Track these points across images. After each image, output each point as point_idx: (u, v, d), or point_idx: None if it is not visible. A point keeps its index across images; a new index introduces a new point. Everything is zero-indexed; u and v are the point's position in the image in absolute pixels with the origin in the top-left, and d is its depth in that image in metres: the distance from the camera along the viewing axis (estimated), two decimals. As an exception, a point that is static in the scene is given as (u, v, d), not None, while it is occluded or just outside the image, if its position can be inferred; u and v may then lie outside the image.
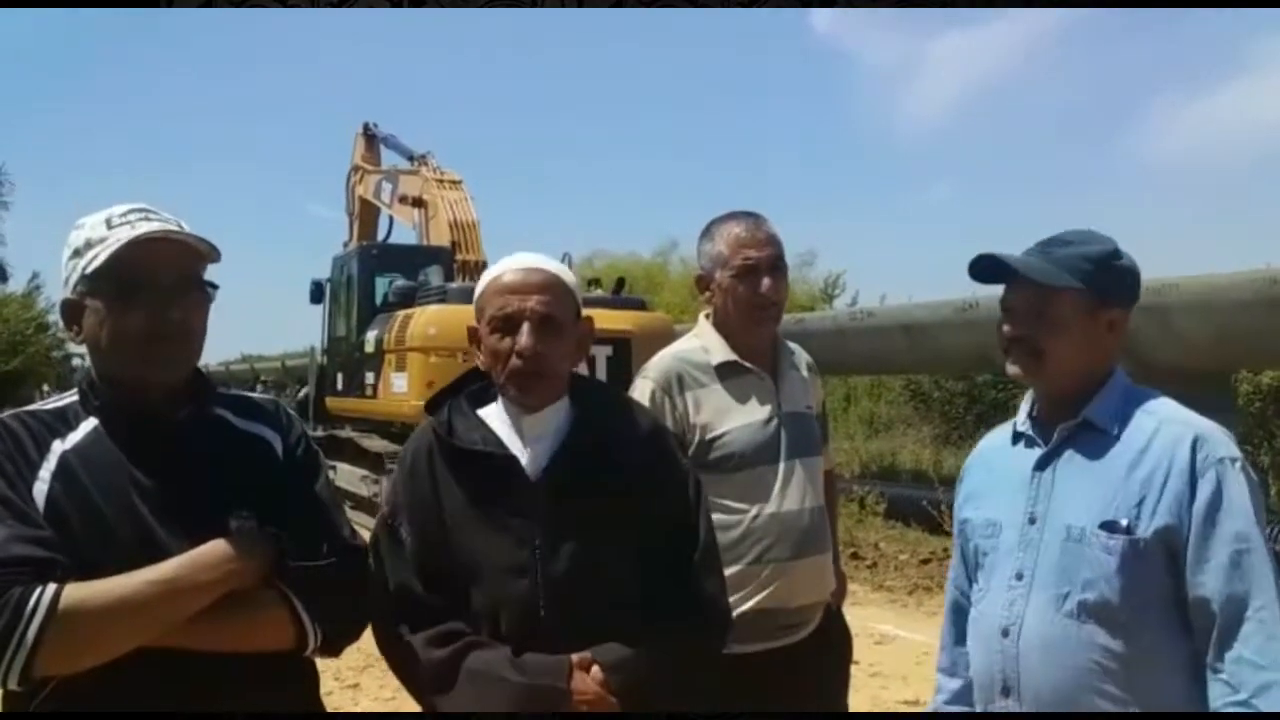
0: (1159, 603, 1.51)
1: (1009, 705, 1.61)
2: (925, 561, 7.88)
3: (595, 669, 1.52)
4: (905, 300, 11.98)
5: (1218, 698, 1.45)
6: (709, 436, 2.20)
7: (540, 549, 1.56)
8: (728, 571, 2.07)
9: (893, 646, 5.72)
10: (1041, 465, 1.67)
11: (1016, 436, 1.76)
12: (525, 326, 1.59)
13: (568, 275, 1.68)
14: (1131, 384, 1.68)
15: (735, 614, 2.10)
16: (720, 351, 2.28)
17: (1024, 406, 1.77)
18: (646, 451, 1.70)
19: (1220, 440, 1.54)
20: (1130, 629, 1.52)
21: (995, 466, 1.78)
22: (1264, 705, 1.40)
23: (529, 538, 1.57)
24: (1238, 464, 1.52)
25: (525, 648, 1.53)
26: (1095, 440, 1.62)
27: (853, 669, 2.51)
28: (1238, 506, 1.48)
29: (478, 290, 1.68)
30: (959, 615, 1.85)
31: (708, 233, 2.34)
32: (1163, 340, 6.97)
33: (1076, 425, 1.64)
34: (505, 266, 1.66)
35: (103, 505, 1.37)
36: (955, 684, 1.84)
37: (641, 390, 2.22)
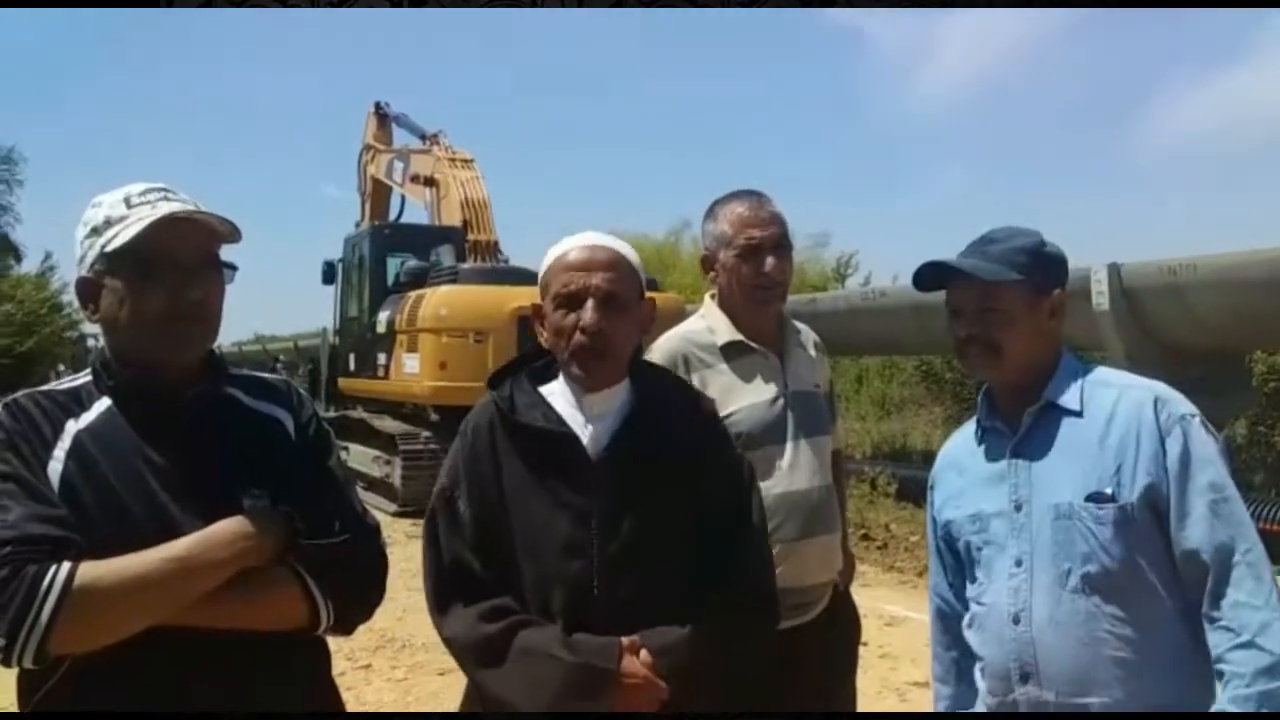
0: (1156, 563, 1.55)
1: (1029, 690, 1.61)
2: (936, 542, 7.85)
3: (644, 652, 1.53)
4: (918, 280, 11.90)
5: (1220, 644, 1.48)
6: (717, 417, 2.20)
7: (597, 527, 1.57)
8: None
9: (903, 628, 5.72)
10: (1015, 453, 1.69)
11: (982, 433, 1.79)
12: (590, 303, 1.60)
13: (632, 254, 1.70)
14: (1077, 361, 1.74)
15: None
16: (726, 332, 2.28)
17: (981, 403, 1.79)
18: (703, 433, 1.72)
19: (1178, 399, 1.62)
20: (1132, 593, 1.55)
21: (967, 466, 1.80)
22: (1267, 643, 1.45)
23: (587, 516, 1.58)
24: (1197, 419, 1.59)
25: (577, 625, 1.54)
26: (1061, 419, 1.66)
27: (862, 650, 2.52)
28: (1207, 458, 1.56)
29: (543, 267, 1.70)
30: (945, 620, 1.86)
31: (711, 213, 2.34)
32: (1179, 319, 6.92)
33: (1040, 408, 1.68)
34: (570, 244, 1.67)
35: (117, 484, 1.37)
36: (952, 689, 1.85)
37: (648, 371, 2.22)
